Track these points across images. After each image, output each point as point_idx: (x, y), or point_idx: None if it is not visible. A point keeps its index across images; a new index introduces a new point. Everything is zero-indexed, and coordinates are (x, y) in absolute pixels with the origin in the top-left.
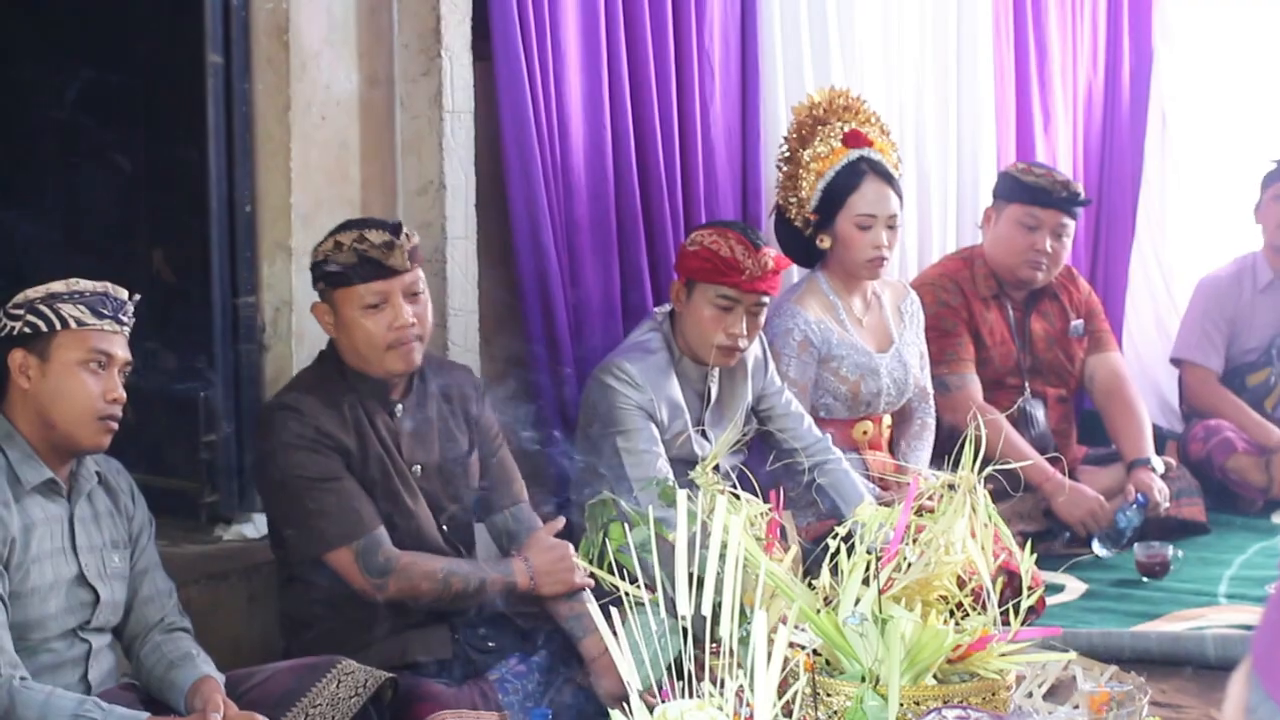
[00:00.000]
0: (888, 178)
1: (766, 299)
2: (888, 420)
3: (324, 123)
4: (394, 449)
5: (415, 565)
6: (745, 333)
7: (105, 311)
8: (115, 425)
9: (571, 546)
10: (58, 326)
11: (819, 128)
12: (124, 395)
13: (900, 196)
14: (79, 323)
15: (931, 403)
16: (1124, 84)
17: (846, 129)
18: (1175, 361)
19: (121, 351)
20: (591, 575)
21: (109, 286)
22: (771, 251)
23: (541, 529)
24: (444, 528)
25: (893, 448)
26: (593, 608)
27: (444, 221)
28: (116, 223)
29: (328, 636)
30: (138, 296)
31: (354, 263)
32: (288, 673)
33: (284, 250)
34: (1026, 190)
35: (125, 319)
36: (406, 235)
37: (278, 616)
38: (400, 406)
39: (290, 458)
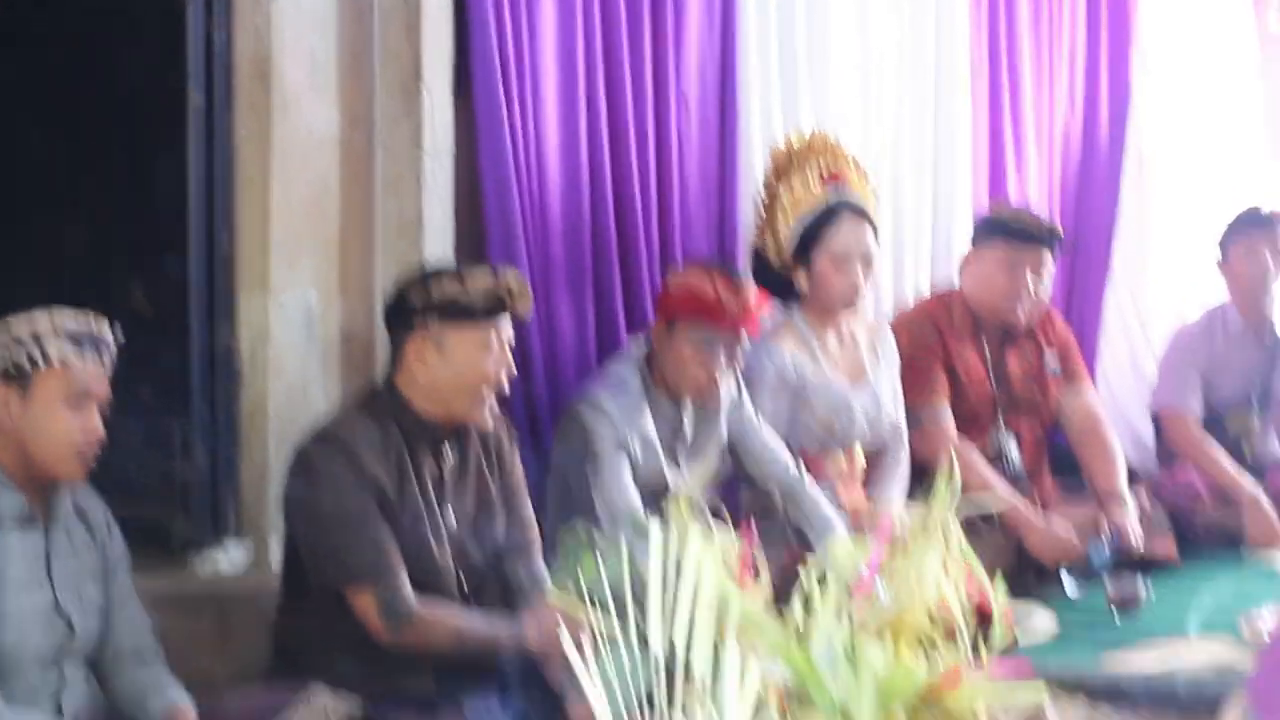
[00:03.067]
0: (864, 217)
1: (747, 338)
2: (860, 454)
3: (305, 163)
4: (432, 496)
5: (434, 620)
6: (724, 372)
7: (89, 349)
8: (92, 461)
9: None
10: (41, 365)
11: (796, 168)
12: (102, 431)
13: (877, 235)
14: (63, 361)
15: (905, 440)
16: (1102, 125)
17: (824, 169)
18: (1154, 412)
19: (101, 388)
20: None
21: (93, 324)
22: (753, 292)
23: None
24: (463, 580)
25: (865, 482)
26: (569, 651)
27: (423, 260)
28: (96, 257)
29: (316, 667)
30: (119, 333)
31: (484, 302)
32: (258, 699)
33: (262, 287)
34: (1009, 231)
35: (108, 357)
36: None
37: (269, 641)
38: (450, 455)
39: (329, 490)
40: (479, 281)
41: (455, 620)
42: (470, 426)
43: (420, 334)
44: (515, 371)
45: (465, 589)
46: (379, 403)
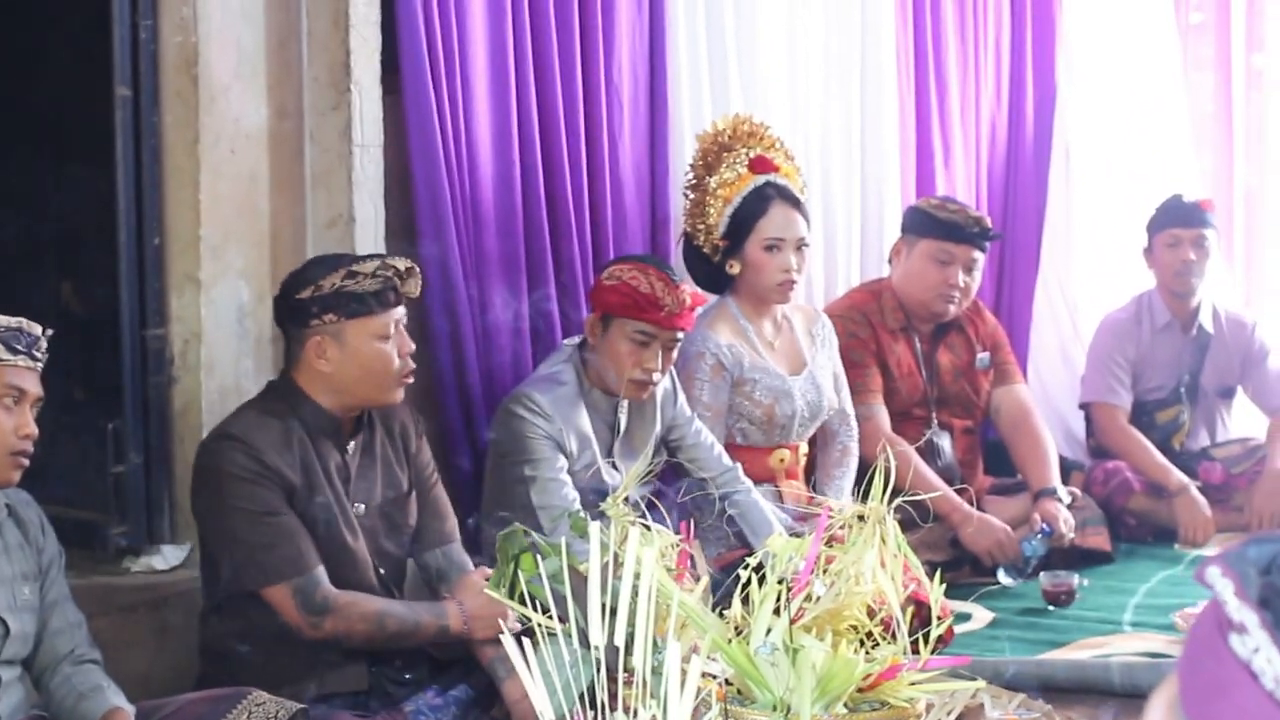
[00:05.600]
0: (794, 202)
1: (682, 335)
2: (804, 448)
3: (233, 156)
4: (340, 488)
5: (353, 606)
6: (660, 367)
7: (19, 347)
8: (26, 461)
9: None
10: None
11: (724, 154)
12: (36, 431)
13: (807, 220)
14: None
15: (853, 425)
16: (1028, 119)
17: (752, 155)
18: (1084, 405)
19: (34, 388)
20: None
21: (23, 322)
22: (688, 288)
23: (474, 572)
24: (380, 569)
25: (809, 475)
26: (509, 646)
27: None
28: (24, 254)
29: (246, 668)
30: (50, 332)
31: (378, 290)
32: (198, 704)
33: (193, 282)
34: (940, 226)
35: (39, 355)
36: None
37: (197, 646)
38: (352, 444)
39: (234, 489)
40: (368, 270)
41: (375, 606)
42: (374, 416)
43: (318, 331)
44: (414, 347)
45: (383, 578)
46: (276, 398)
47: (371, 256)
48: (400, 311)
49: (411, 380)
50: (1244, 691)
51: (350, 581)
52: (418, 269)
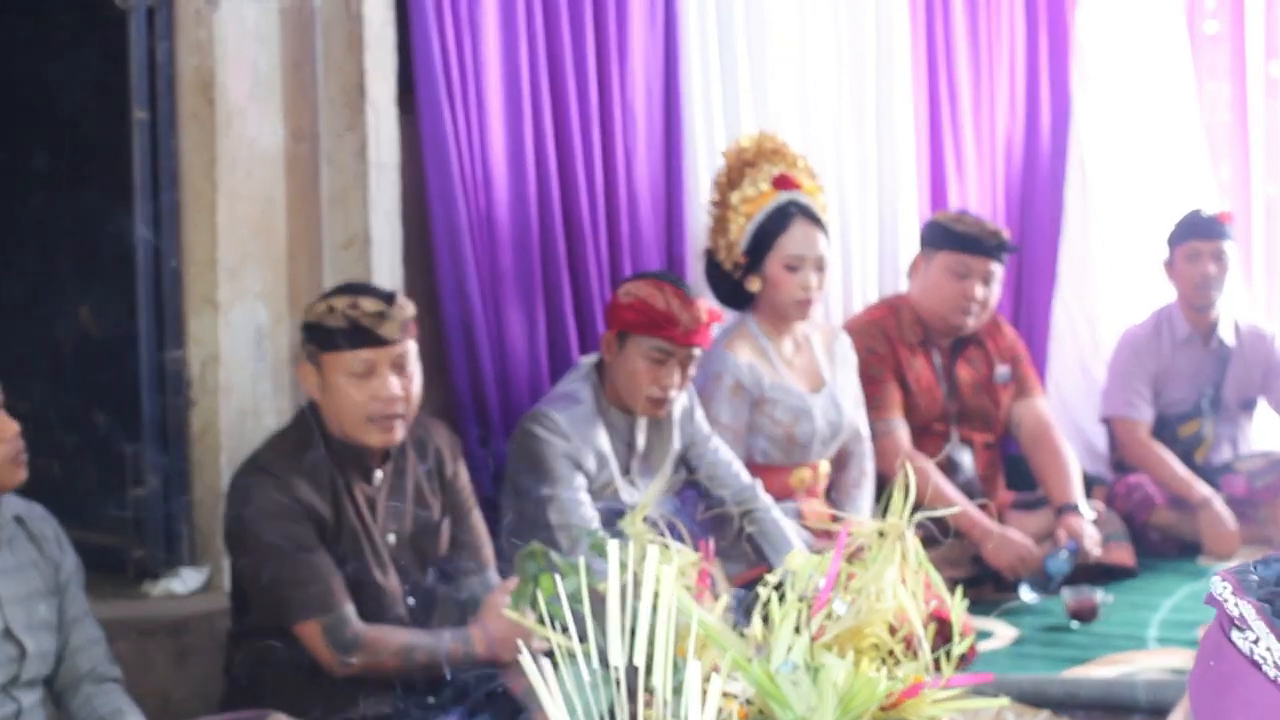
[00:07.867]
0: (816, 220)
1: (699, 351)
2: (825, 467)
3: (250, 177)
4: (369, 518)
5: (381, 642)
6: (677, 384)
7: None
8: (24, 458)
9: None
10: None
11: (748, 171)
12: (16, 426)
13: (828, 239)
14: None
15: (867, 446)
16: (1043, 131)
17: (775, 172)
18: (1105, 420)
19: None
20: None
21: None
22: (704, 304)
23: (496, 594)
24: (409, 599)
25: (830, 495)
26: (527, 666)
27: (370, 276)
28: (42, 278)
29: (270, 694)
30: None
31: (345, 328)
32: None
33: (210, 305)
34: (958, 239)
35: None
36: (400, 306)
37: (222, 665)
38: (379, 474)
39: (266, 524)
40: (340, 306)
41: (402, 640)
42: (405, 445)
43: (305, 357)
44: (400, 394)
45: (412, 610)
46: (305, 427)
47: (356, 291)
48: (387, 353)
49: (391, 424)
50: (1247, 683)
51: (378, 612)
52: (394, 312)
